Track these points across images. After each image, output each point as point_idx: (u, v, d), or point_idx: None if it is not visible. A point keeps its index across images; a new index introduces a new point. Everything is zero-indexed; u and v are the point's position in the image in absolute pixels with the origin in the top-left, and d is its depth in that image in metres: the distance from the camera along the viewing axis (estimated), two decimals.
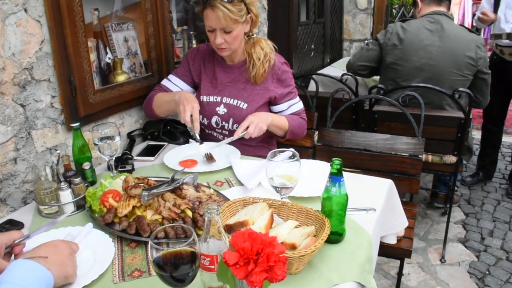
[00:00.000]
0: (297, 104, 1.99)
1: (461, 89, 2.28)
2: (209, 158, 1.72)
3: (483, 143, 3.58)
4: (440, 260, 2.61)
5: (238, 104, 1.89)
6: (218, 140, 1.95)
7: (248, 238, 0.79)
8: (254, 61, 1.85)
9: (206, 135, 2.01)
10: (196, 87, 2.01)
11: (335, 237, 1.17)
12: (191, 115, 1.71)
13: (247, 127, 1.75)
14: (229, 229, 1.13)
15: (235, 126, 1.88)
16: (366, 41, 2.95)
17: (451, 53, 2.57)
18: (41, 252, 0.99)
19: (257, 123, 1.75)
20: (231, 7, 1.66)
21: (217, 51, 1.84)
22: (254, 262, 0.78)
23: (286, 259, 0.80)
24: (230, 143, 1.86)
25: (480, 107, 2.87)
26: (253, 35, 1.89)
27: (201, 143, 1.78)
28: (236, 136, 1.75)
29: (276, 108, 1.96)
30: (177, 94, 1.84)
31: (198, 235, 1.05)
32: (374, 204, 1.38)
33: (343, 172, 1.14)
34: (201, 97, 1.94)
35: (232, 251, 0.81)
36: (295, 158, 1.27)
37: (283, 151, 1.32)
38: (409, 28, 2.68)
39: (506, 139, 3.86)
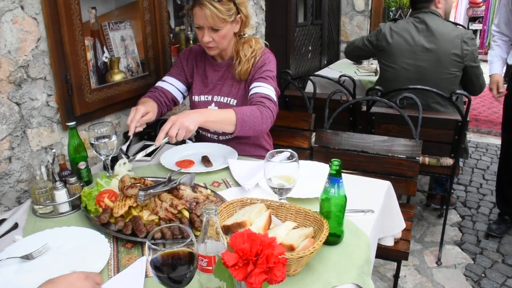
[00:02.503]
0: (263, 88, 1.76)
1: (458, 91, 2.28)
2: (206, 161, 1.70)
3: (502, 182, 2.91)
4: (436, 263, 2.61)
5: (228, 102, 1.87)
6: (212, 141, 1.93)
7: (247, 239, 0.78)
8: (241, 58, 1.82)
9: (201, 136, 2.00)
10: (189, 87, 2.00)
11: (333, 239, 1.16)
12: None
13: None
14: (226, 230, 1.12)
15: None
16: (364, 37, 2.98)
17: (436, 52, 2.58)
18: None
19: (180, 123, 1.50)
20: (219, 6, 1.65)
21: (205, 50, 1.83)
22: (254, 263, 0.77)
23: (286, 261, 0.80)
24: (225, 143, 1.85)
25: (473, 94, 2.68)
26: (244, 35, 1.87)
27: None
28: (158, 143, 1.51)
29: None
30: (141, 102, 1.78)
31: (196, 236, 1.04)
32: (372, 206, 1.37)
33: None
34: (193, 97, 1.93)
35: (231, 252, 0.80)
36: (294, 159, 1.26)
37: (281, 152, 1.32)
38: (396, 30, 2.70)
39: (497, 141, 3.85)
